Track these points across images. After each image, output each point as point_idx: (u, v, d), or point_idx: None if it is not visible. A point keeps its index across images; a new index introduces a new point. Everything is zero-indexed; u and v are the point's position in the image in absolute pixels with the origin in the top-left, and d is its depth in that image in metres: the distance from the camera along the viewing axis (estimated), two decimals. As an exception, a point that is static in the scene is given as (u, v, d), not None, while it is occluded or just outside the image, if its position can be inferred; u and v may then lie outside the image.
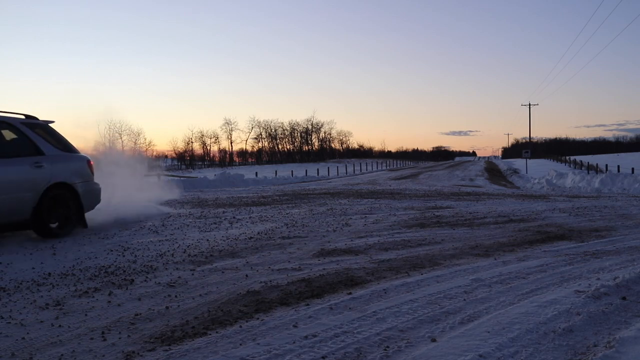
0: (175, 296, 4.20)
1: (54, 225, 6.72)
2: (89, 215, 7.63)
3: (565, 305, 3.73)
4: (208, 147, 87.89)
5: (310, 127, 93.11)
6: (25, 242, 6.64)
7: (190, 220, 8.97)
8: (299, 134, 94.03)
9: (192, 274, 4.94)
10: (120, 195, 9.69)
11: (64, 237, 6.89)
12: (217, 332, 3.31)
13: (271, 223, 8.56)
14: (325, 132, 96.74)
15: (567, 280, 4.58)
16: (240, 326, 3.43)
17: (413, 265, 5.26)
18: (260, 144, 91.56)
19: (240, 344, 3.09)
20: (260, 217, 9.41)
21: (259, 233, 7.46)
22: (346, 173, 41.77)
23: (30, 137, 6.43)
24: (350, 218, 9.13)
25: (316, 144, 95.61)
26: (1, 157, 6.06)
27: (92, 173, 7.47)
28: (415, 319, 3.53)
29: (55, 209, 6.65)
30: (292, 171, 40.22)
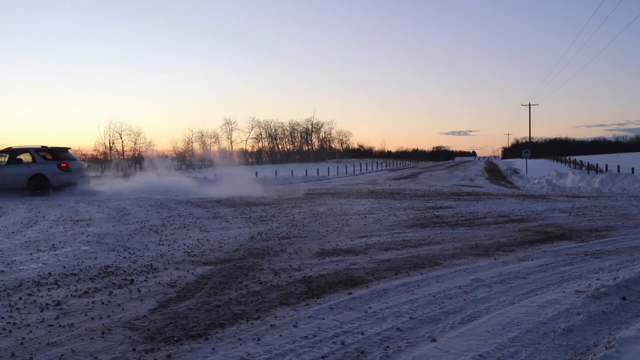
0: (176, 296, 4.20)
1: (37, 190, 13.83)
2: None
3: (565, 305, 3.74)
4: (208, 147, 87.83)
5: (310, 127, 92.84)
6: (26, 243, 6.65)
7: (191, 220, 8.97)
8: (299, 134, 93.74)
9: (193, 274, 4.94)
10: None
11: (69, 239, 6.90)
12: (217, 332, 3.32)
13: (271, 223, 8.57)
14: (325, 132, 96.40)
15: (567, 280, 4.59)
16: (240, 326, 3.43)
17: (413, 265, 5.26)
18: (260, 144, 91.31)
19: (241, 344, 3.09)
20: (260, 217, 9.42)
21: (259, 233, 7.47)
22: (346, 173, 41.69)
23: (34, 156, 14.16)
24: (350, 218, 9.13)
25: (316, 144, 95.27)
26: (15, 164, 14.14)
27: (61, 169, 14.17)
28: (415, 318, 3.54)
29: (36, 183, 14.00)
30: (292, 171, 40.10)
